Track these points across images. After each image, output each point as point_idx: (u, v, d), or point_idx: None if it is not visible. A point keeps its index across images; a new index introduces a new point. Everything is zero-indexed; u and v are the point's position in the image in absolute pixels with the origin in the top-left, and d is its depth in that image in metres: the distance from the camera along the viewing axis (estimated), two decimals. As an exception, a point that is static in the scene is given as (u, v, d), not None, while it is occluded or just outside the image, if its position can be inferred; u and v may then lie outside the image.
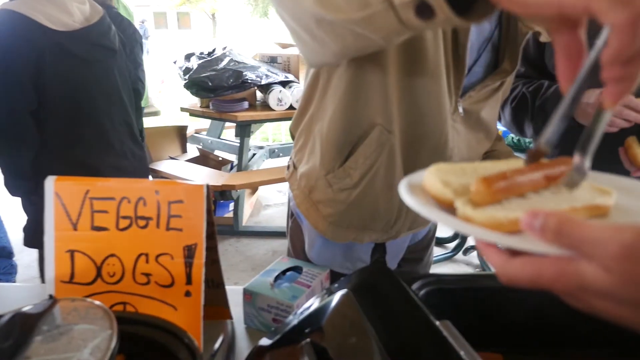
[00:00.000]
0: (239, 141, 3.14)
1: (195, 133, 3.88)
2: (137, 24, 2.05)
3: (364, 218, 0.89)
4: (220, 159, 3.53)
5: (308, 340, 0.50)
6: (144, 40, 2.50)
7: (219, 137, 3.70)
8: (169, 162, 3.14)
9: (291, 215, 1.04)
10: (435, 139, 0.82)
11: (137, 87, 1.69)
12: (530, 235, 0.33)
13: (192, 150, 3.60)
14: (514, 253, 0.34)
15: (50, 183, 0.65)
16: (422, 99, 0.78)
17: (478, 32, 0.82)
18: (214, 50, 3.06)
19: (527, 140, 2.30)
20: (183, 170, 2.96)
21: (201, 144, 3.69)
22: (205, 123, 3.85)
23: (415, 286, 0.64)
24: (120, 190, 0.65)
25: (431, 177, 0.42)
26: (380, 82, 0.77)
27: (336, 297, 0.56)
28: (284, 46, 3.45)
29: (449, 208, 0.39)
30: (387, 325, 0.52)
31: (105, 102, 1.45)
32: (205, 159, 3.48)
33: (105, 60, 1.45)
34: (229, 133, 3.96)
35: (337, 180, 0.86)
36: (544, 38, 0.86)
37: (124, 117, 1.51)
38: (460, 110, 0.82)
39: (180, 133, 3.47)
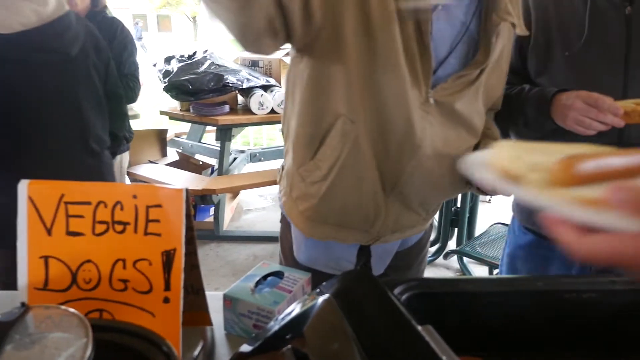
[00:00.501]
0: (219, 145, 3.11)
1: (175, 137, 3.84)
2: (131, 25, 2.02)
3: (338, 213, 0.90)
4: (200, 163, 3.50)
5: (289, 346, 0.49)
6: (139, 42, 2.49)
7: (199, 141, 3.67)
8: (147, 166, 3.09)
9: (281, 216, 1.04)
10: (400, 129, 0.82)
11: (117, 90, 1.58)
12: (613, 210, 0.31)
13: (172, 155, 3.56)
14: (589, 229, 0.32)
15: (24, 187, 0.63)
16: (383, 87, 0.79)
17: (450, 23, 0.82)
18: (194, 53, 3.03)
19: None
20: (162, 174, 2.92)
21: (181, 147, 3.65)
22: (186, 127, 3.81)
23: (397, 291, 0.64)
24: (97, 194, 0.64)
25: (500, 152, 0.41)
26: (341, 72, 0.79)
27: (318, 303, 0.55)
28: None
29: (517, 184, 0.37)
30: (369, 330, 0.52)
31: (49, 108, 1.34)
32: (185, 163, 3.44)
33: (55, 64, 1.33)
34: (210, 137, 3.93)
35: (308, 173, 0.87)
36: (519, 30, 0.86)
37: (78, 125, 1.40)
38: (432, 101, 0.82)
39: (159, 137, 3.43)
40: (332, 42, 0.77)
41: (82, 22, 1.43)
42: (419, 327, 0.51)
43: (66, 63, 1.35)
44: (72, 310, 0.53)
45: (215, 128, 3.13)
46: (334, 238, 0.93)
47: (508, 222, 2.46)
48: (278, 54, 3.25)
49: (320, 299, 0.55)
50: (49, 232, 0.64)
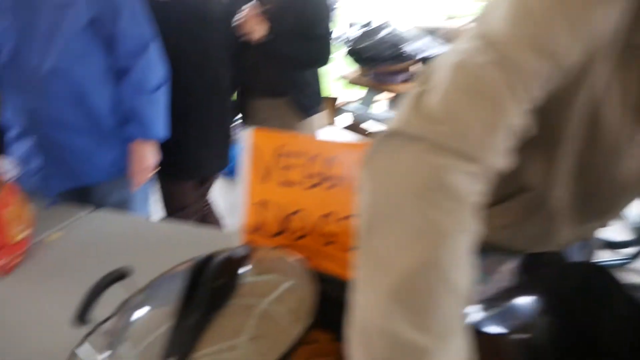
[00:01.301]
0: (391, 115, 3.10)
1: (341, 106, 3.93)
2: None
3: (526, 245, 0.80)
4: (369, 132, 3.52)
5: (524, 335, 0.44)
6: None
7: (368, 110, 3.69)
8: (324, 130, 3.21)
9: None
10: (606, 183, 0.66)
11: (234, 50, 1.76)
12: None
13: (340, 122, 3.64)
14: None
15: (250, 134, 0.67)
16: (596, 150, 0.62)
17: None
18: (375, 20, 3.02)
19: None
20: (341, 138, 3.02)
21: (353, 114, 3.72)
22: (352, 95, 3.86)
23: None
24: (313, 147, 0.65)
25: None
26: (546, 150, 0.63)
27: (545, 297, 0.49)
28: (448, 18, 3.28)
29: None
30: (613, 333, 0.44)
31: (190, 62, 1.55)
32: (355, 130, 3.50)
33: (195, 29, 1.55)
34: (377, 106, 3.93)
35: (490, 219, 0.77)
36: None
37: (210, 75, 1.62)
38: None
39: (330, 104, 3.53)
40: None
41: None
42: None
43: (206, 24, 1.58)
44: (294, 255, 0.55)
45: (382, 98, 3.11)
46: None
47: None
48: (459, 22, 3.08)
49: (551, 293, 0.49)
50: (266, 179, 0.67)
